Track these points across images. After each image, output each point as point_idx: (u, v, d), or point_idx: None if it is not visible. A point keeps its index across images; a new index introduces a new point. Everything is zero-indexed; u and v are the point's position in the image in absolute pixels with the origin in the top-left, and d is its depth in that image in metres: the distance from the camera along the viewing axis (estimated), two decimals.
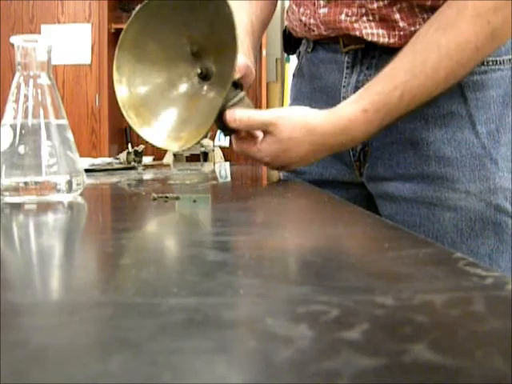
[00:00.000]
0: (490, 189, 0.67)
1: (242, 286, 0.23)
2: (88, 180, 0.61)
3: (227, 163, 1.81)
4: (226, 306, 0.21)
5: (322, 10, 0.71)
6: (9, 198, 0.53)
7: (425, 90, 0.62)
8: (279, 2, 0.89)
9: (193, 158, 1.14)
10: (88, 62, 3.06)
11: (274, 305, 0.21)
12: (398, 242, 0.35)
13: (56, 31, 3.02)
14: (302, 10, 0.75)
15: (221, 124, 0.68)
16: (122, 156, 1.17)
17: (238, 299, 0.22)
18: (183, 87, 0.72)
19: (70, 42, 3.02)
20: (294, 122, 0.64)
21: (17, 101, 0.55)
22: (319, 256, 0.31)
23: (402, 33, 0.67)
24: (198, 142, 0.72)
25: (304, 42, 0.81)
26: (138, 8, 0.67)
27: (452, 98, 0.67)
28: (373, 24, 0.68)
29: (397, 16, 0.66)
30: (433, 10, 0.65)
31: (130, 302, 0.21)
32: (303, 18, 0.75)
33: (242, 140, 0.69)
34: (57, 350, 0.16)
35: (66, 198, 0.54)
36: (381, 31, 0.68)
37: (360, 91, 0.64)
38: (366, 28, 0.68)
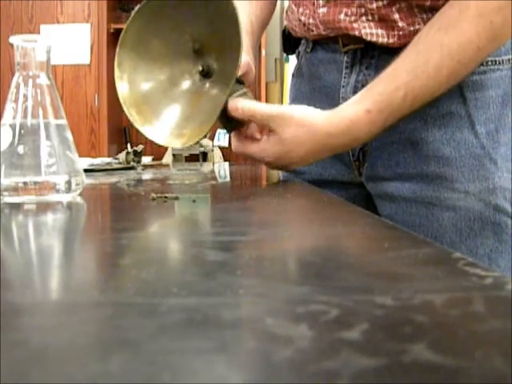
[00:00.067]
0: (489, 189, 0.67)
1: (242, 286, 0.23)
2: (87, 180, 0.61)
3: (226, 163, 1.81)
4: (225, 306, 0.21)
5: (322, 10, 0.71)
6: (8, 198, 0.53)
7: (427, 90, 0.62)
8: (279, 2, 0.89)
9: (192, 158, 1.14)
10: (87, 62, 3.06)
11: (273, 305, 0.21)
12: (397, 241, 0.35)
13: (55, 31, 3.02)
14: (301, 9, 0.75)
15: (224, 120, 0.68)
16: (121, 156, 1.17)
17: (237, 299, 0.22)
18: (185, 84, 0.72)
19: (69, 42, 3.01)
20: (297, 121, 0.64)
21: (16, 101, 0.55)
22: (319, 256, 0.31)
23: (401, 33, 0.67)
24: (201, 139, 0.72)
25: (303, 41, 0.81)
26: (139, 5, 0.67)
27: (451, 98, 0.67)
28: (372, 24, 0.68)
29: (396, 16, 0.66)
30: (432, 10, 0.65)
31: (130, 302, 0.21)
32: (302, 18, 0.75)
33: (243, 141, 0.69)
34: (57, 349, 0.16)
35: (65, 197, 0.54)
36: (380, 31, 0.68)
37: (362, 92, 0.64)
38: (365, 28, 0.68)
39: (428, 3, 0.65)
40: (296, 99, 0.82)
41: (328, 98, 0.74)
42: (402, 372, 0.15)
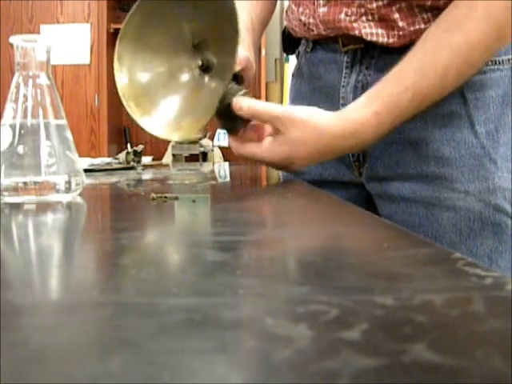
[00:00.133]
0: (489, 189, 0.67)
1: (242, 286, 0.23)
2: (87, 180, 0.61)
3: (226, 163, 1.81)
4: (225, 306, 0.21)
5: (322, 10, 0.71)
6: (8, 198, 0.53)
7: (435, 90, 0.61)
8: (278, 2, 0.89)
9: (192, 158, 1.14)
10: (87, 61, 3.06)
11: (273, 305, 0.21)
12: (397, 242, 0.35)
13: (55, 31, 3.02)
14: (301, 9, 0.75)
15: (225, 120, 0.67)
16: (121, 156, 1.17)
17: (237, 299, 0.22)
18: (184, 78, 0.72)
19: (69, 41, 3.01)
20: (304, 122, 0.63)
21: (16, 101, 0.55)
22: (319, 256, 0.31)
23: (401, 32, 0.67)
24: (201, 134, 0.71)
25: (303, 41, 0.81)
26: (139, 0, 0.68)
27: (451, 98, 0.67)
28: (372, 24, 0.68)
29: (396, 16, 0.66)
30: (432, 9, 0.65)
31: (130, 302, 0.21)
32: (302, 18, 0.75)
33: (244, 142, 0.68)
34: (57, 349, 0.16)
35: (65, 198, 0.54)
36: (380, 31, 0.68)
37: (369, 94, 0.63)
38: (365, 28, 0.68)
39: (429, 3, 0.65)
40: (296, 99, 0.82)
41: (328, 98, 0.74)
42: (402, 372, 0.15)
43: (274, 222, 0.45)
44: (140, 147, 1.17)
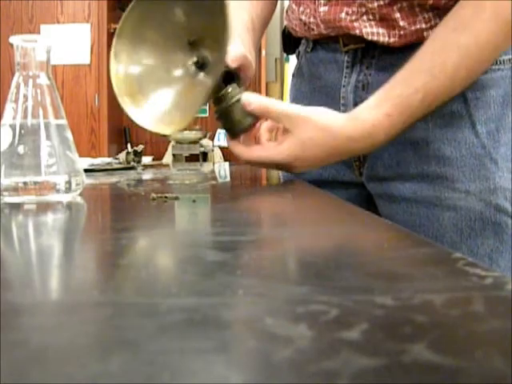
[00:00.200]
0: (490, 188, 0.67)
1: (242, 286, 0.23)
2: (87, 180, 0.61)
3: (226, 163, 1.81)
4: (225, 306, 0.21)
5: (322, 9, 0.71)
6: (8, 198, 0.53)
7: (444, 90, 0.61)
8: (279, 2, 0.89)
9: (192, 158, 1.14)
10: (87, 61, 3.06)
11: (273, 305, 0.21)
12: (397, 242, 0.35)
13: (55, 31, 3.02)
14: (301, 8, 0.75)
15: (229, 123, 0.67)
16: (122, 156, 1.17)
17: (237, 299, 0.22)
18: (179, 75, 0.72)
19: (69, 41, 3.01)
20: (316, 123, 0.62)
21: (16, 101, 0.55)
22: (319, 256, 0.31)
23: (402, 32, 0.67)
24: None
25: (303, 41, 0.81)
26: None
27: (452, 97, 0.67)
28: (373, 23, 0.68)
29: (397, 15, 0.66)
30: (433, 9, 0.65)
31: (130, 302, 0.21)
32: (303, 17, 0.75)
33: (250, 147, 0.66)
34: (57, 349, 0.16)
35: (65, 198, 0.54)
36: (381, 30, 0.68)
37: (378, 95, 0.62)
38: (365, 27, 0.68)
39: (430, 2, 0.65)
40: (296, 99, 0.82)
41: (328, 98, 0.74)
42: (402, 372, 0.15)
43: (274, 222, 0.45)
44: (140, 147, 1.17)
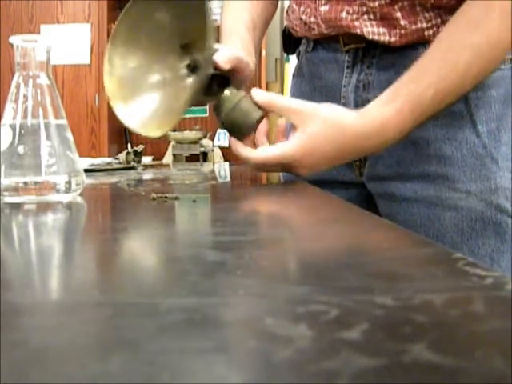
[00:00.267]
0: (491, 188, 0.67)
1: (242, 286, 0.23)
2: (87, 180, 0.61)
3: (227, 163, 1.81)
4: (225, 306, 0.21)
5: (323, 8, 0.71)
6: (8, 198, 0.53)
7: (454, 89, 0.61)
8: (279, 3, 0.89)
9: (192, 158, 1.14)
10: (87, 61, 3.06)
11: (273, 305, 0.21)
12: (397, 242, 0.35)
13: (55, 31, 3.02)
14: (302, 8, 0.75)
15: (234, 128, 0.67)
16: (122, 156, 1.17)
17: (237, 299, 0.22)
18: (172, 78, 0.72)
19: (69, 41, 3.01)
20: (324, 118, 0.61)
21: (16, 101, 0.55)
22: (319, 256, 0.31)
23: (403, 31, 0.67)
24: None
25: (304, 41, 0.81)
26: (129, 2, 0.68)
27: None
28: (374, 22, 0.68)
29: (398, 14, 0.66)
30: (434, 8, 0.65)
31: (130, 302, 0.21)
32: (303, 17, 0.75)
33: (257, 148, 0.65)
34: (57, 349, 0.16)
35: (65, 198, 0.54)
36: (382, 30, 0.68)
37: (388, 93, 0.62)
38: (366, 26, 0.68)
39: (431, 1, 0.65)
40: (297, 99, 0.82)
41: (329, 98, 0.74)
42: (402, 372, 0.15)
43: (274, 221, 0.45)
44: (140, 147, 1.17)
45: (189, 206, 0.54)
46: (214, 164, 1.48)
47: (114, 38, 0.69)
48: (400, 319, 0.19)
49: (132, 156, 1.15)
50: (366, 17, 0.68)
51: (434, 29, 0.66)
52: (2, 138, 0.54)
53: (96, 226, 0.45)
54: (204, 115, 2.98)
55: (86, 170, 0.65)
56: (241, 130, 0.67)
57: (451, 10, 0.64)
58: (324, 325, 0.18)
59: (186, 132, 1.15)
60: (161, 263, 0.30)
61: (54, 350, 0.16)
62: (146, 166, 1.19)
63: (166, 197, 0.54)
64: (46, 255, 0.32)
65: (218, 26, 0.84)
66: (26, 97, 0.55)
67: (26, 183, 0.53)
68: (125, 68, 0.70)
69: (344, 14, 0.69)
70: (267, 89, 3.20)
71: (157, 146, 2.88)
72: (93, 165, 1.06)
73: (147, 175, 0.96)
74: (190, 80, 0.71)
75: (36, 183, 0.53)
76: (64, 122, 0.57)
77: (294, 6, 0.77)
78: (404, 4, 0.66)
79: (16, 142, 0.53)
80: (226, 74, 0.67)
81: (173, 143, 1.16)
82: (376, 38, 0.68)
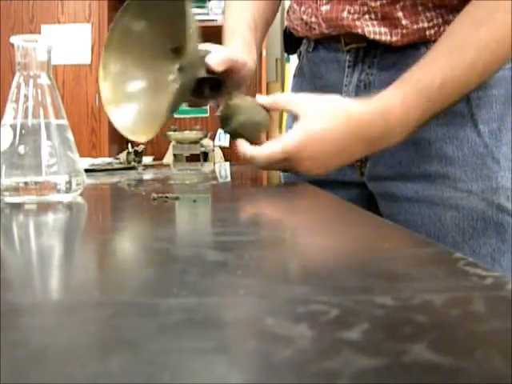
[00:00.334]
0: (492, 188, 0.67)
1: (242, 286, 0.23)
2: (88, 180, 0.61)
3: (227, 163, 1.81)
4: (225, 306, 0.21)
5: (324, 8, 0.71)
6: (9, 198, 0.53)
7: (459, 86, 0.61)
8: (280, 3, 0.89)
9: (193, 158, 1.14)
10: (88, 61, 3.06)
11: (273, 305, 0.21)
12: (398, 241, 0.35)
13: (56, 31, 3.02)
14: (303, 8, 0.75)
15: (248, 128, 0.67)
16: (122, 156, 1.17)
17: (237, 299, 0.22)
18: (165, 83, 0.72)
19: (70, 41, 3.01)
20: (326, 104, 0.61)
21: (17, 101, 0.55)
22: (319, 256, 0.31)
23: (404, 31, 0.67)
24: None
25: (305, 41, 0.81)
26: (121, 8, 0.68)
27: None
28: (375, 22, 0.68)
29: (399, 14, 0.66)
30: (436, 8, 0.65)
31: (130, 302, 0.21)
32: (304, 17, 0.75)
33: (263, 146, 0.64)
34: (57, 349, 0.16)
35: (65, 198, 0.54)
36: (383, 29, 0.68)
37: (393, 84, 0.61)
38: (367, 26, 0.68)
39: (433, 0, 0.65)
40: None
41: None
42: (402, 372, 0.15)
43: (274, 222, 0.45)
44: (141, 147, 1.17)
45: (189, 206, 0.54)
46: (214, 164, 1.48)
47: (107, 44, 0.69)
48: (400, 319, 0.19)
49: (132, 156, 1.15)
50: (367, 16, 0.68)
51: (436, 28, 0.66)
52: (3, 137, 0.54)
53: (96, 226, 0.45)
54: (204, 115, 2.98)
55: (86, 170, 0.65)
56: (249, 139, 0.67)
57: (453, 9, 0.64)
58: (324, 325, 0.18)
59: (187, 132, 1.15)
60: (161, 263, 0.30)
61: (54, 350, 0.16)
62: (146, 166, 1.19)
63: (166, 197, 0.54)
64: (46, 255, 0.32)
65: (219, 26, 0.84)
66: (26, 97, 0.55)
67: (26, 183, 0.53)
68: (119, 74, 0.71)
69: (345, 14, 0.69)
70: (268, 89, 3.21)
71: (157, 146, 2.88)
72: (93, 165, 1.06)
73: (148, 175, 0.96)
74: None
75: (36, 183, 0.53)
76: (64, 122, 0.57)
77: (295, 5, 0.77)
78: (405, 3, 0.66)
79: (16, 142, 0.53)
80: (218, 77, 0.67)
81: (173, 143, 1.16)
82: (377, 37, 0.68)
